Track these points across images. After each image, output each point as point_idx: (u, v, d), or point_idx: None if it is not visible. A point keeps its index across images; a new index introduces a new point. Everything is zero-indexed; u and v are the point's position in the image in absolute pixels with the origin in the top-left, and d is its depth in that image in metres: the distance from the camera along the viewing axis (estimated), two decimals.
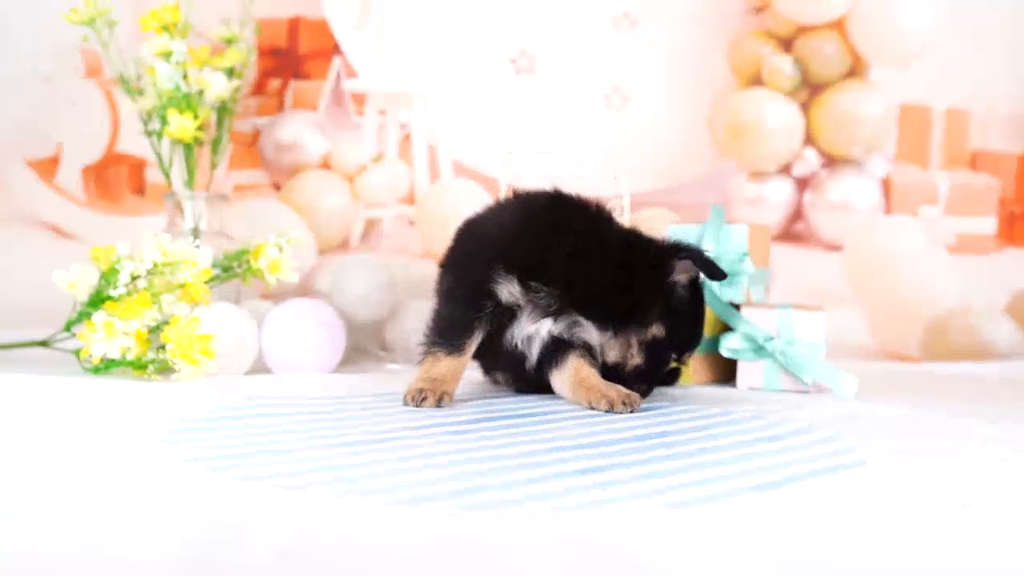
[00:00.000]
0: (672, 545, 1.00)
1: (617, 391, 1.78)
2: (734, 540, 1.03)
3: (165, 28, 2.48)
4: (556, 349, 1.86)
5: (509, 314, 1.82)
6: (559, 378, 1.87)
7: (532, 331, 1.84)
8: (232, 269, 2.28)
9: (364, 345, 2.51)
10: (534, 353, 1.86)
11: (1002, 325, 2.86)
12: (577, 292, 1.79)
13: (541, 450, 1.40)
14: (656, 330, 1.82)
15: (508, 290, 1.79)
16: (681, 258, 1.81)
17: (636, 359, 1.84)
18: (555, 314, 1.81)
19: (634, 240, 1.87)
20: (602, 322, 1.81)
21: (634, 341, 1.82)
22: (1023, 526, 1.12)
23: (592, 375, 1.83)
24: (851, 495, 1.21)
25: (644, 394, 1.84)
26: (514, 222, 1.88)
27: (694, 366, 2.19)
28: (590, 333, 1.83)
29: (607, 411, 1.75)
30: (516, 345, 1.85)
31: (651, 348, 1.83)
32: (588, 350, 1.85)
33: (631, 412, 1.74)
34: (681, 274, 1.83)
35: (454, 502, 1.10)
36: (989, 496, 1.23)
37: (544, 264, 1.79)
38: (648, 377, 1.86)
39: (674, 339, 1.85)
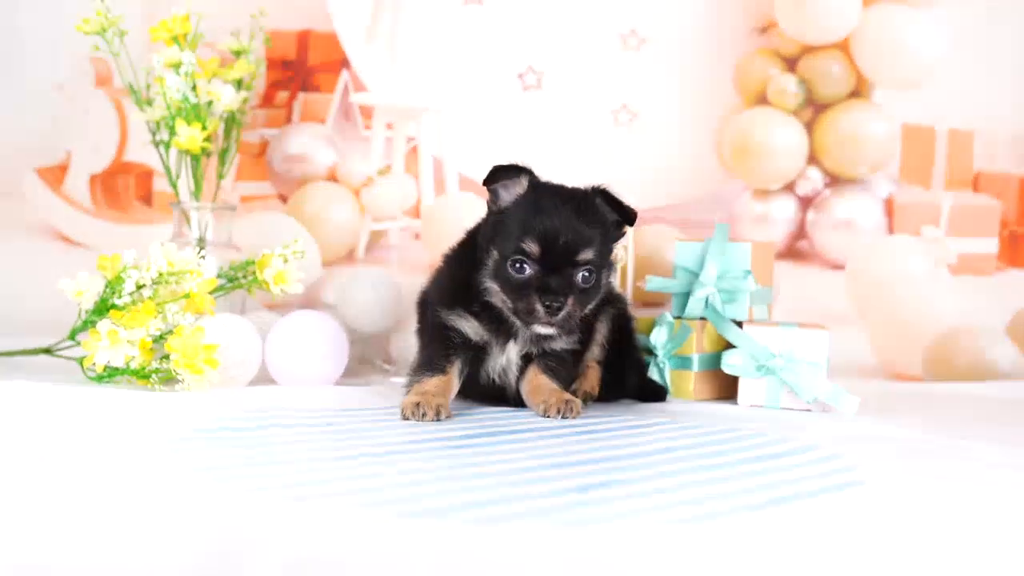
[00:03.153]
0: (672, 562, 1.01)
1: (558, 396, 1.85)
2: (733, 558, 1.04)
3: (175, 39, 2.49)
4: (525, 365, 1.93)
5: (481, 351, 1.89)
6: (523, 389, 1.93)
7: (504, 361, 1.90)
8: (237, 280, 2.29)
9: (369, 357, 2.52)
10: (512, 381, 1.93)
11: (1003, 345, 2.87)
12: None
13: (542, 465, 1.40)
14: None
15: (468, 326, 1.87)
16: None
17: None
18: (512, 335, 1.88)
19: None
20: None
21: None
22: (1022, 546, 1.12)
23: (545, 380, 1.89)
24: (850, 515, 1.22)
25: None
26: (448, 260, 1.99)
27: (695, 383, 2.20)
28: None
29: (544, 415, 1.83)
30: (495, 380, 1.92)
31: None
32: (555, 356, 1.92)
33: (563, 418, 1.81)
34: None
35: (457, 516, 1.11)
36: (989, 517, 1.24)
37: (475, 292, 1.86)
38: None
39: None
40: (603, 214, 1.86)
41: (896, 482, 1.39)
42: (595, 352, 2.08)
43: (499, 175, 1.84)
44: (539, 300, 1.76)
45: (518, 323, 1.84)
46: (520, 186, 1.85)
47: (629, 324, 2.17)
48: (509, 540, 1.04)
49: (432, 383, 1.84)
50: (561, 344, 1.91)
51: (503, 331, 1.88)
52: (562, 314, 1.77)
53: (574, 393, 1.99)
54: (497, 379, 1.92)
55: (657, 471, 1.40)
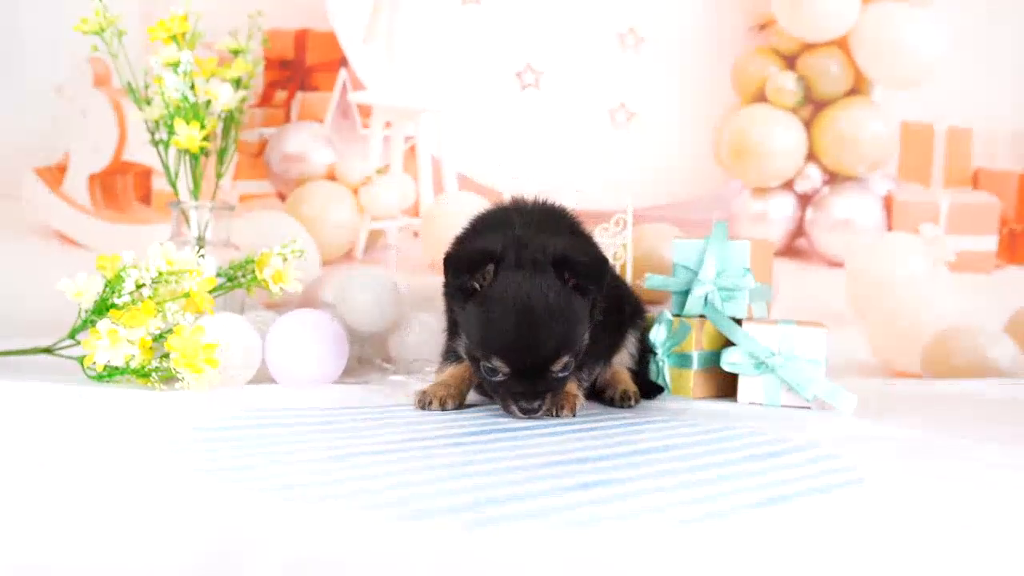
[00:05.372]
0: (672, 562, 1.01)
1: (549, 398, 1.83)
2: (733, 557, 1.04)
3: (173, 39, 2.49)
4: None
5: None
6: None
7: None
8: (236, 279, 2.29)
9: (368, 356, 2.52)
10: None
11: (1003, 344, 2.87)
12: None
13: (543, 464, 1.40)
14: None
15: None
16: None
17: None
18: None
19: None
20: None
21: None
22: (1022, 546, 1.12)
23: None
24: (849, 513, 1.22)
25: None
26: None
27: (694, 381, 2.20)
28: None
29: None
30: None
31: None
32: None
33: (556, 416, 1.79)
34: None
35: (457, 517, 1.11)
36: (989, 517, 1.24)
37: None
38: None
39: None
40: None
41: (895, 481, 1.39)
42: (625, 359, 2.10)
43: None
44: None
45: None
46: None
47: (647, 333, 2.20)
48: (508, 540, 1.04)
49: (449, 372, 1.90)
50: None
51: None
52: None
53: (618, 392, 2.00)
54: None
55: (657, 469, 1.40)
